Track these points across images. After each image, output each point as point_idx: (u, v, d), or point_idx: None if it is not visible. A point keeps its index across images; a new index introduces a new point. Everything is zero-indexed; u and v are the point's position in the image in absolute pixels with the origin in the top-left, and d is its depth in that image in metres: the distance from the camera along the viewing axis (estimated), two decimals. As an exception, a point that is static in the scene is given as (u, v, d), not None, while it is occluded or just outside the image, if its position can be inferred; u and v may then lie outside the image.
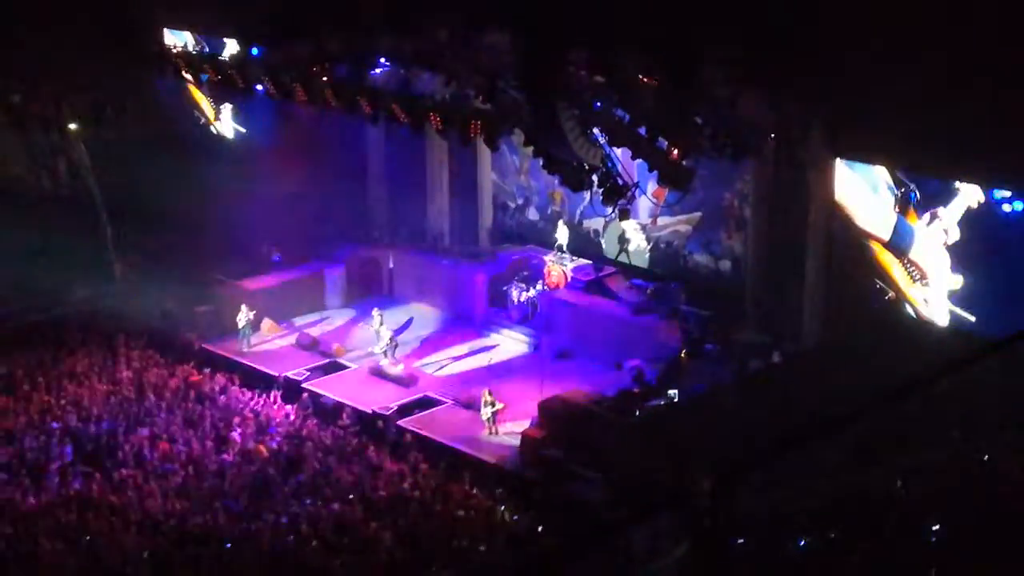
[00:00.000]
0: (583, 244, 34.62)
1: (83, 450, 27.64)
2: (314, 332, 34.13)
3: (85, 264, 34.37)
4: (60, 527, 24.60)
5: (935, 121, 25.34)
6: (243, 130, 39.28)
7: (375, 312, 33.23)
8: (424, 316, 35.11)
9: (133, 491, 25.85)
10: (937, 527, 20.19)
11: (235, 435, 28.04)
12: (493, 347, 33.32)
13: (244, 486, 26.14)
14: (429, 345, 33.50)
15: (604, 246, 34.57)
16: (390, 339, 32.01)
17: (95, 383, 30.42)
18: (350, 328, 34.53)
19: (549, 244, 34.64)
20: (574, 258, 33.99)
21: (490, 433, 28.38)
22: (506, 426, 28.35)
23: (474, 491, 25.99)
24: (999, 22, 24.54)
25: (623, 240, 34.12)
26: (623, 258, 34.20)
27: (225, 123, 39.75)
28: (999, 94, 24.42)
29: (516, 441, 27.79)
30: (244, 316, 33.01)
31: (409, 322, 33.56)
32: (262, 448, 27.56)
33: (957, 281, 26.79)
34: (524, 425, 28.07)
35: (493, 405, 28.44)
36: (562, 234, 34.31)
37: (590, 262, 33.90)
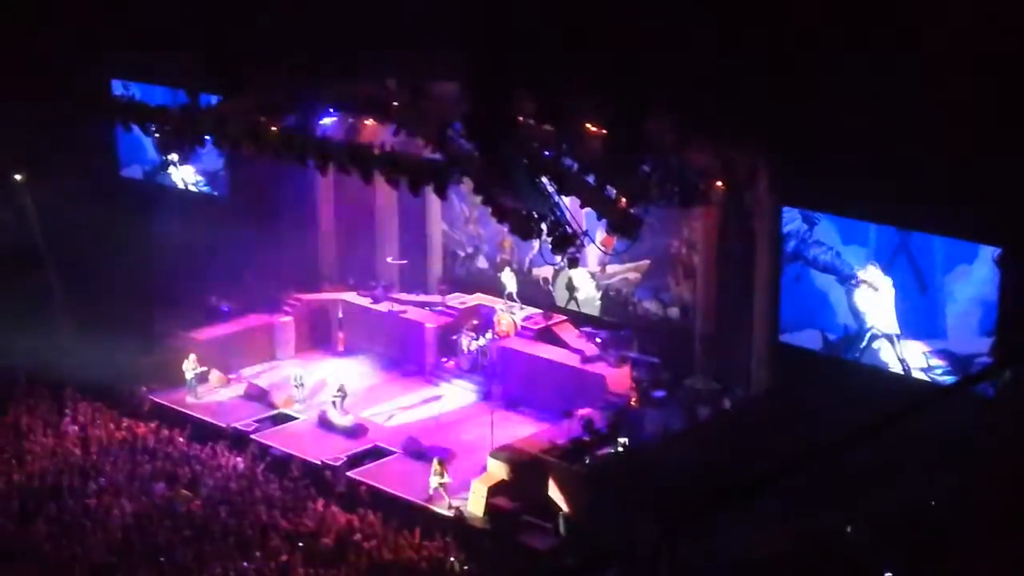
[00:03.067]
0: (533, 292, 34.62)
1: (28, 504, 27.21)
2: (262, 383, 33.87)
3: (30, 315, 33.89)
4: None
5: (882, 169, 25.60)
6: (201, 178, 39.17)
7: (295, 366, 33.70)
8: (373, 365, 34.92)
9: (79, 544, 25.46)
10: (889, 574, 20.26)
11: (182, 488, 27.75)
12: (443, 396, 33.17)
13: (190, 539, 25.81)
14: (378, 395, 33.29)
15: (554, 294, 34.61)
16: (338, 389, 31.81)
17: (40, 437, 30.01)
18: (298, 378, 34.25)
19: (499, 292, 34.62)
20: (524, 306, 33.97)
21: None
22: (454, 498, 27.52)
23: (424, 541, 25.80)
24: (949, 73, 24.74)
25: (572, 288, 34.15)
26: (573, 306, 34.22)
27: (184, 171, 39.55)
28: (948, 144, 24.58)
29: (466, 492, 27.59)
30: (191, 367, 32.75)
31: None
32: (196, 501, 27.32)
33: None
34: (475, 476, 27.90)
35: (442, 476, 27.65)
36: (509, 282, 34.30)
37: (540, 310, 33.89)
